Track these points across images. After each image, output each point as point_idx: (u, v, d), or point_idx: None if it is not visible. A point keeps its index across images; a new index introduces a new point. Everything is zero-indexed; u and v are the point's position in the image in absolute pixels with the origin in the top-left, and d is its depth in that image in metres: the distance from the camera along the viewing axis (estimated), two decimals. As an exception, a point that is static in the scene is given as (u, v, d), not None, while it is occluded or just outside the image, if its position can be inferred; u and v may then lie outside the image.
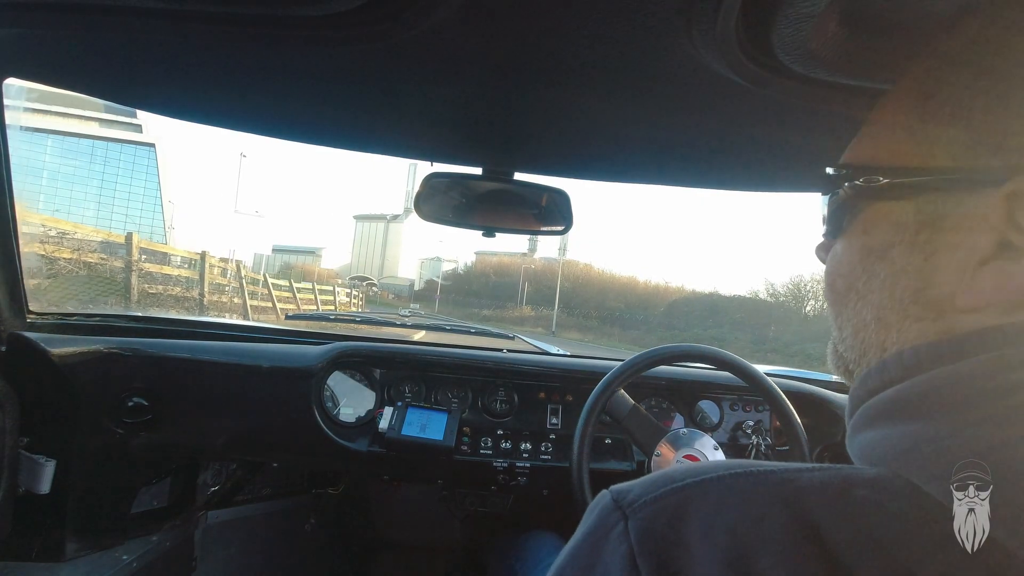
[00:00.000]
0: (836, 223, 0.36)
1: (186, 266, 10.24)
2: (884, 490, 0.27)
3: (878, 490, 0.27)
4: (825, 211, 0.38)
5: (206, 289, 10.03)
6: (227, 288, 11.16)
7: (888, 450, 0.29)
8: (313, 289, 16.07)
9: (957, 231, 0.29)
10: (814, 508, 0.26)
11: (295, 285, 14.45)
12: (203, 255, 10.21)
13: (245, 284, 11.05)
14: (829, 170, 0.37)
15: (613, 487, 0.33)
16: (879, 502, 0.26)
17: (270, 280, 12.56)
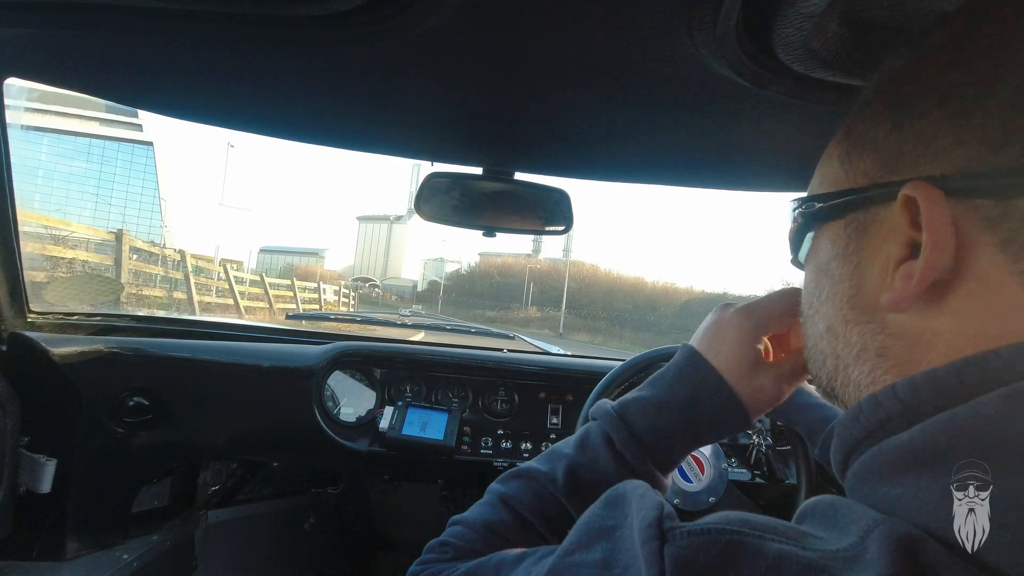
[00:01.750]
0: (794, 248, 0.41)
1: (171, 266, 10.01)
2: (949, 546, 0.25)
3: (945, 543, 0.25)
4: (788, 240, 0.42)
5: (193, 289, 9.78)
6: (203, 288, 10.77)
7: (924, 507, 0.27)
8: (292, 286, 14.64)
9: (876, 239, 0.33)
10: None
11: (268, 281, 13.27)
12: (183, 254, 9.86)
13: (190, 277, 10.35)
14: (789, 202, 0.41)
15: (643, 488, 0.33)
16: (950, 561, 0.24)
17: (232, 273, 11.55)
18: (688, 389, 0.51)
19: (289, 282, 15.00)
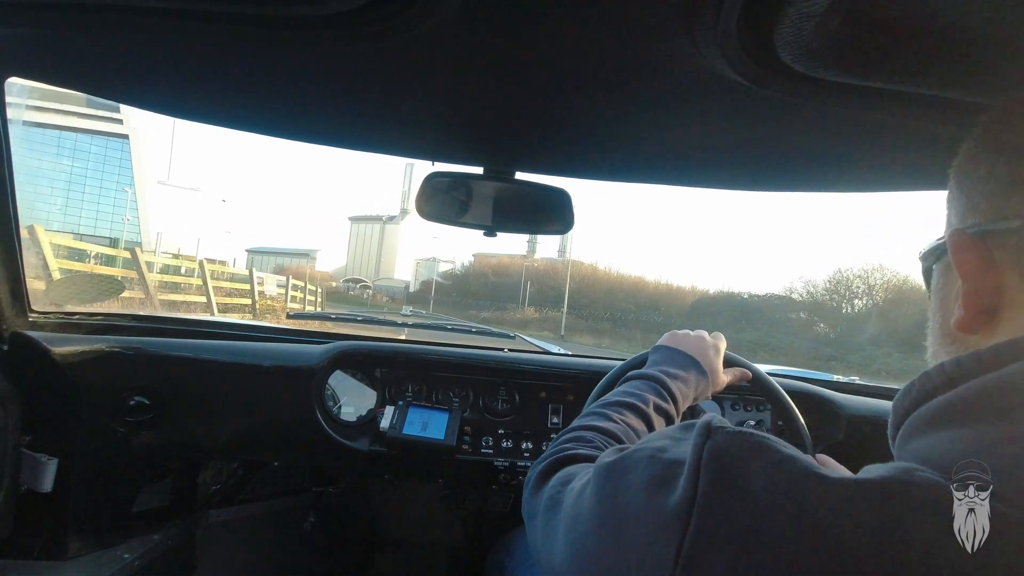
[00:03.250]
0: (928, 286, 0.48)
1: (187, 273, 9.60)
2: (948, 493, 0.29)
3: (942, 491, 0.29)
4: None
5: (212, 294, 9.47)
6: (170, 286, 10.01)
7: (940, 456, 0.32)
8: (204, 277, 11.10)
9: (951, 277, 0.40)
10: (880, 507, 0.30)
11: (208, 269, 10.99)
12: (201, 264, 9.43)
13: (208, 282, 9.97)
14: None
15: (714, 416, 0.39)
16: (944, 504, 0.29)
17: (207, 270, 10.72)
18: (681, 366, 0.82)
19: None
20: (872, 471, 0.32)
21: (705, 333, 0.90)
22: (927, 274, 0.46)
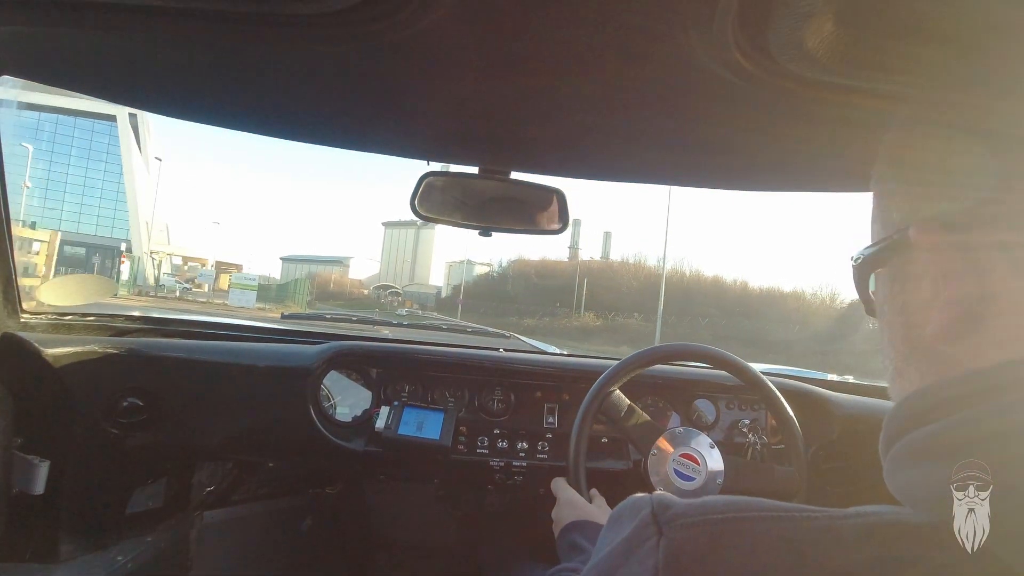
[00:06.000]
0: (864, 301, 0.44)
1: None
2: (929, 541, 0.27)
3: (925, 542, 0.27)
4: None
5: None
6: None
7: (928, 491, 0.30)
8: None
9: (912, 280, 0.36)
10: (856, 563, 0.27)
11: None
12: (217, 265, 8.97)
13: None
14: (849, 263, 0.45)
15: (655, 496, 0.34)
16: (926, 557, 0.27)
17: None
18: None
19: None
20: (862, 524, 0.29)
21: (565, 497, 0.95)
22: (864, 280, 0.42)
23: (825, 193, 0.96)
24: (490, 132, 0.85)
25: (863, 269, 0.41)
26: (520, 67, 0.61)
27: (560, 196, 1.02)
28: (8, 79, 0.83)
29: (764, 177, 0.95)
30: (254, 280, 22.91)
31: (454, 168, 1.02)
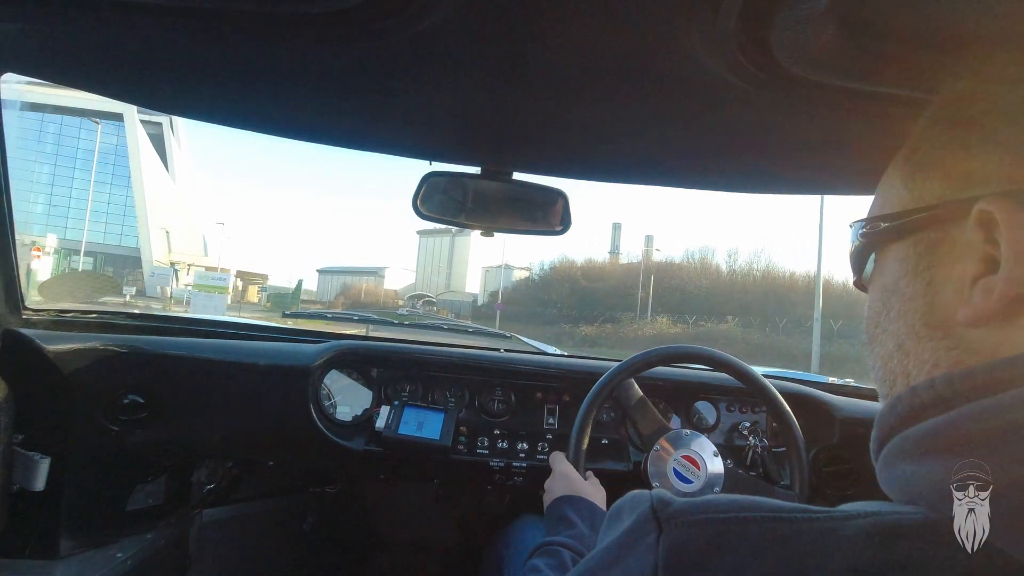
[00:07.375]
0: (858, 269, 0.41)
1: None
2: (931, 539, 0.27)
3: (925, 539, 0.27)
4: (849, 262, 0.43)
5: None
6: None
7: (930, 487, 0.29)
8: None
9: (949, 256, 0.33)
10: (858, 564, 0.27)
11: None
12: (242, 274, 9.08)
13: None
14: (848, 225, 0.42)
15: (655, 493, 0.34)
16: (928, 556, 0.27)
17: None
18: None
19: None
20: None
21: (561, 470, 0.97)
22: (868, 252, 0.39)
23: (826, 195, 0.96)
24: (492, 132, 0.85)
25: (877, 239, 0.38)
26: (523, 67, 0.61)
27: (563, 197, 1.02)
28: (11, 76, 0.83)
29: (768, 181, 0.95)
30: (224, 281, 19.20)
31: (457, 168, 1.02)
